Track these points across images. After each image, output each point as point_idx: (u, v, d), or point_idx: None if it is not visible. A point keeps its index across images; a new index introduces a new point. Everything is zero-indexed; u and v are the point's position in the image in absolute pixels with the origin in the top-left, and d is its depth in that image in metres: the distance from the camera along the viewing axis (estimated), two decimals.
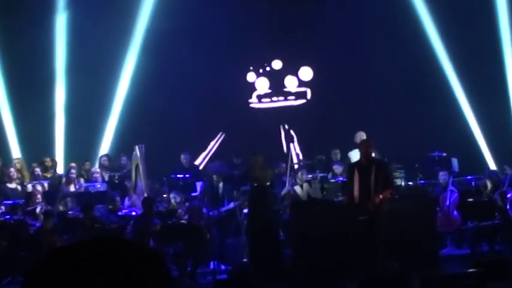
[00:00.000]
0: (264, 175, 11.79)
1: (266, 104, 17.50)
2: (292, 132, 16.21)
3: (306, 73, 17.48)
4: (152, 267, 1.52)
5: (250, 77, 17.55)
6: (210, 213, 12.77)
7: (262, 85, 17.59)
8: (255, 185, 11.83)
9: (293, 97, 17.48)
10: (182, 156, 14.99)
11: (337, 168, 13.98)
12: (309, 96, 17.36)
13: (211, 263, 12.09)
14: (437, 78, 16.23)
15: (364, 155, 10.34)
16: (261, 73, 17.54)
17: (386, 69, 16.08)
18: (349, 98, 16.40)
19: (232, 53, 16.66)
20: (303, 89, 17.52)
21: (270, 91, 17.50)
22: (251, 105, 17.43)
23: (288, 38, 16.97)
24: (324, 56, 16.68)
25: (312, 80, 17.32)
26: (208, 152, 16.31)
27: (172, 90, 16.41)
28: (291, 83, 17.58)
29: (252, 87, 17.51)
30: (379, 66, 16.13)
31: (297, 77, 17.50)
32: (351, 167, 10.63)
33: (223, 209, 13.07)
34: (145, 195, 12.96)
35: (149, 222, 11.73)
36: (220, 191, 13.48)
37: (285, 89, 17.53)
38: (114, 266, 1.47)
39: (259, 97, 17.56)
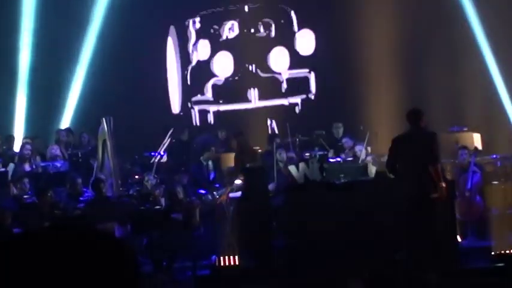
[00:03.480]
0: (254, 154, 11.90)
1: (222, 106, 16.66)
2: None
3: (305, 41, 16.69)
4: (119, 261, 1.52)
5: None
6: (193, 198, 12.41)
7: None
8: (247, 166, 11.75)
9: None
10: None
11: (347, 142, 13.80)
12: (312, 86, 16.61)
13: (191, 257, 11.66)
14: (460, 37, 15.90)
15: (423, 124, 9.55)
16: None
17: (398, 31, 15.80)
18: (353, 66, 16.00)
19: None
20: (302, 70, 16.68)
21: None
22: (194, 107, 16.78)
23: None
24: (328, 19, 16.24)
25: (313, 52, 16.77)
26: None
27: (143, 54, 16.41)
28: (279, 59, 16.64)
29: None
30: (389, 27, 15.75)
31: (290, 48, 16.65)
32: None
33: (218, 193, 12.68)
34: (114, 176, 12.58)
35: (106, 206, 11.39)
36: (211, 170, 13.06)
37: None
38: (69, 258, 1.46)
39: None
